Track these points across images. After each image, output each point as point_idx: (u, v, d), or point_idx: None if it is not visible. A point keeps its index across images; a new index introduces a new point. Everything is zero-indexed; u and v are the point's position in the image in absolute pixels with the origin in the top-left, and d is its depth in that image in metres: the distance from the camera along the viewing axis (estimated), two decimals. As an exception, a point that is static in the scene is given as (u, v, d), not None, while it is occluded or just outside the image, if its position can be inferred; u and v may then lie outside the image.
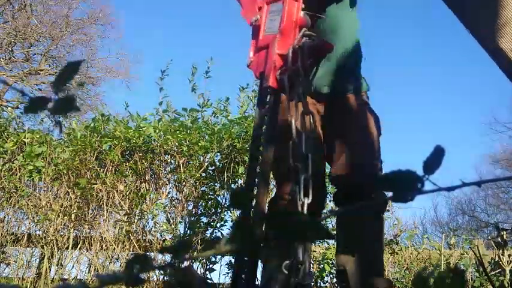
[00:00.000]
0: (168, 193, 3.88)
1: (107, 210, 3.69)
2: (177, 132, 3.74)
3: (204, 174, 3.78)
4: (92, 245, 3.66)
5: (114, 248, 3.58)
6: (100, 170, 3.79)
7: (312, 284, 3.47)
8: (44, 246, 3.64)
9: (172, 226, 3.62)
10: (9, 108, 5.34)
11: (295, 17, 1.24)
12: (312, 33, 1.25)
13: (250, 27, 1.35)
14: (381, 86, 32.55)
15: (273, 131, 1.16)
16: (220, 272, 3.63)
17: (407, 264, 4.05)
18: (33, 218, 3.85)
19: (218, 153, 3.80)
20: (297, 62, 1.15)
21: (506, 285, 3.35)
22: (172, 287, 0.44)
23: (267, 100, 1.20)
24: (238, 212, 3.51)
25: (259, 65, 1.25)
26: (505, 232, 3.59)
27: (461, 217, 18.78)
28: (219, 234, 3.63)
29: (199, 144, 3.69)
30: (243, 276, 1.04)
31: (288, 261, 1.03)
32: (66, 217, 3.70)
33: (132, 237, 3.59)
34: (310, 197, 1.04)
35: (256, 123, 1.18)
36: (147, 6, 27.25)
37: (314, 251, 3.78)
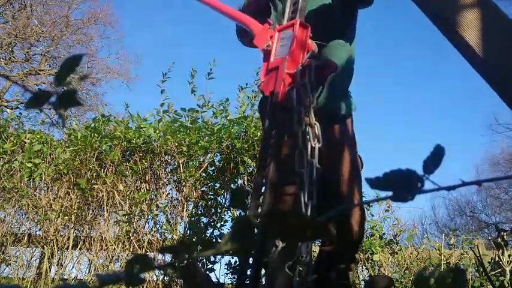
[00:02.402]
0: (168, 193, 3.88)
1: (107, 210, 3.70)
2: (177, 132, 3.74)
3: (203, 174, 3.78)
4: (92, 245, 3.66)
5: (114, 248, 3.58)
6: (100, 170, 3.79)
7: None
8: (44, 246, 3.64)
9: (172, 226, 3.62)
10: (8, 109, 5.35)
11: (304, 42, 1.37)
12: (318, 54, 1.37)
13: (262, 53, 1.49)
14: (380, 87, 32.56)
15: (280, 142, 1.26)
16: (220, 272, 3.63)
17: (407, 264, 4.05)
18: (33, 218, 3.85)
19: (218, 154, 3.80)
20: (304, 78, 1.25)
21: (506, 285, 3.35)
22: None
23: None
24: (238, 212, 3.52)
25: (270, 85, 1.36)
26: (505, 233, 3.59)
27: (460, 218, 18.79)
28: (218, 234, 3.64)
29: (199, 144, 3.69)
30: (247, 277, 1.05)
31: (291, 262, 1.05)
32: (66, 217, 3.70)
33: (132, 237, 3.59)
34: (315, 200, 1.08)
35: (265, 136, 1.28)
36: (147, 6, 27.26)
37: (314, 251, 3.78)
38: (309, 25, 1.41)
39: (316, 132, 1.19)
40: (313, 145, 1.18)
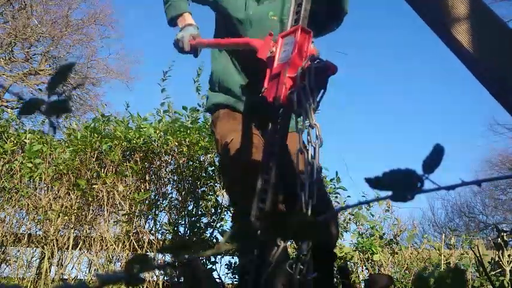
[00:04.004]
0: (169, 193, 3.88)
1: (107, 210, 3.70)
2: (177, 132, 3.75)
3: (204, 175, 3.78)
4: (92, 245, 3.66)
5: (115, 248, 3.59)
6: (100, 170, 3.79)
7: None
8: (45, 246, 3.64)
9: (172, 226, 3.62)
10: (9, 109, 5.35)
11: (306, 47, 1.40)
12: (318, 57, 1.38)
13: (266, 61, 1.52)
14: (380, 87, 32.60)
15: (283, 144, 1.31)
16: (221, 272, 3.64)
17: (407, 264, 4.05)
18: (33, 218, 3.85)
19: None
20: (304, 81, 1.28)
21: (506, 285, 3.35)
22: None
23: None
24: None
25: (272, 91, 1.39)
26: (504, 234, 3.59)
27: (459, 219, 18.80)
28: (218, 234, 3.64)
29: (199, 144, 3.69)
30: (248, 276, 1.06)
31: (291, 260, 1.06)
32: (66, 217, 3.70)
33: (132, 237, 3.59)
34: (315, 200, 1.11)
35: (268, 138, 1.32)
36: (147, 6, 27.26)
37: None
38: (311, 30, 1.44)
39: (317, 133, 1.21)
40: (314, 145, 1.19)
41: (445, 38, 1.48)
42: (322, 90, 1.33)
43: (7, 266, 3.81)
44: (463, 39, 1.42)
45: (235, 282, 3.62)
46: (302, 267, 1.06)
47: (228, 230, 3.73)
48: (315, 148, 1.20)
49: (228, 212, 3.71)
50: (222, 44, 1.83)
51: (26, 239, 3.76)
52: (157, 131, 3.80)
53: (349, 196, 4.17)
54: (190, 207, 3.74)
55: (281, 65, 1.42)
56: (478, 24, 1.43)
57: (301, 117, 1.26)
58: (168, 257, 3.28)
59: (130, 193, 3.72)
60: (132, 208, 3.70)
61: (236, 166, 1.69)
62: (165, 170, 3.92)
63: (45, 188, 3.84)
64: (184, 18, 1.94)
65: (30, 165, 3.76)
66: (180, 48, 1.91)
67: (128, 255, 3.58)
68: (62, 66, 0.52)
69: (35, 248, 3.87)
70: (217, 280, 3.47)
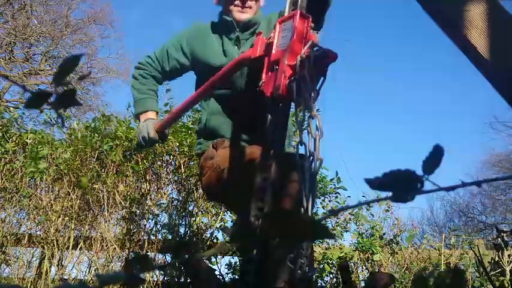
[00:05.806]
0: (169, 194, 3.88)
1: (107, 211, 3.70)
2: (179, 132, 3.74)
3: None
4: (92, 245, 3.66)
5: (115, 248, 3.59)
6: (101, 170, 3.79)
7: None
8: (45, 246, 3.64)
9: (173, 226, 3.62)
10: (11, 109, 5.35)
11: (305, 33, 1.35)
12: (318, 44, 1.32)
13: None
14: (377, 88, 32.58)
15: (282, 137, 1.27)
16: (221, 272, 3.64)
17: (407, 264, 4.05)
18: (34, 218, 3.85)
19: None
20: (304, 69, 1.23)
21: (506, 285, 3.35)
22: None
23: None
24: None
25: (270, 84, 1.34)
26: (504, 233, 3.59)
27: (458, 219, 18.77)
28: (219, 234, 3.64)
29: (200, 144, 3.69)
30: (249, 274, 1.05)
31: (291, 255, 1.05)
32: (67, 217, 3.70)
33: (132, 237, 3.59)
34: (316, 194, 1.10)
35: (269, 134, 1.28)
36: (147, 5, 27.28)
37: (314, 251, 3.79)
38: (309, 16, 1.37)
39: (317, 123, 1.17)
40: (314, 137, 1.16)
41: (456, 38, 1.44)
42: (322, 78, 1.30)
43: (7, 266, 3.81)
44: (473, 38, 1.38)
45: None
46: (302, 262, 1.06)
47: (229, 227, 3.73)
48: (315, 139, 1.15)
49: (228, 212, 3.71)
50: (211, 85, 1.73)
51: (26, 239, 3.76)
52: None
53: (349, 196, 4.19)
54: (190, 207, 3.74)
55: (280, 51, 1.37)
56: (492, 23, 1.39)
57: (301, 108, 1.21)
58: (168, 257, 3.28)
59: (131, 193, 3.72)
60: (132, 208, 3.70)
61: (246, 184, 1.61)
62: (166, 170, 3.92)
63: (46, 188, 3.84)
64: (147, 115, 1.97)
65: (33, 169, 3.76)
66: (143, 138, 1.89)
67: (128, 255, 3.58)
68: (69, 58, 0.51)
69: (35, 248, 3.87)
70: (220, 278, 3.47)
